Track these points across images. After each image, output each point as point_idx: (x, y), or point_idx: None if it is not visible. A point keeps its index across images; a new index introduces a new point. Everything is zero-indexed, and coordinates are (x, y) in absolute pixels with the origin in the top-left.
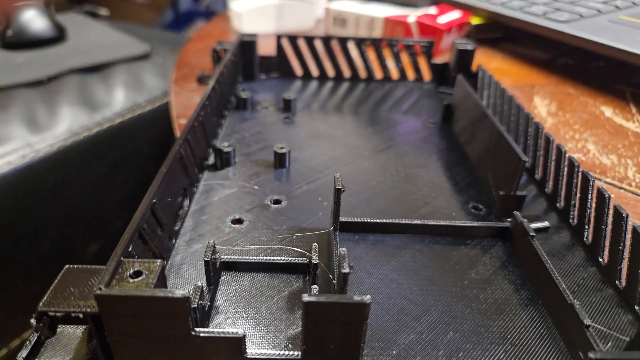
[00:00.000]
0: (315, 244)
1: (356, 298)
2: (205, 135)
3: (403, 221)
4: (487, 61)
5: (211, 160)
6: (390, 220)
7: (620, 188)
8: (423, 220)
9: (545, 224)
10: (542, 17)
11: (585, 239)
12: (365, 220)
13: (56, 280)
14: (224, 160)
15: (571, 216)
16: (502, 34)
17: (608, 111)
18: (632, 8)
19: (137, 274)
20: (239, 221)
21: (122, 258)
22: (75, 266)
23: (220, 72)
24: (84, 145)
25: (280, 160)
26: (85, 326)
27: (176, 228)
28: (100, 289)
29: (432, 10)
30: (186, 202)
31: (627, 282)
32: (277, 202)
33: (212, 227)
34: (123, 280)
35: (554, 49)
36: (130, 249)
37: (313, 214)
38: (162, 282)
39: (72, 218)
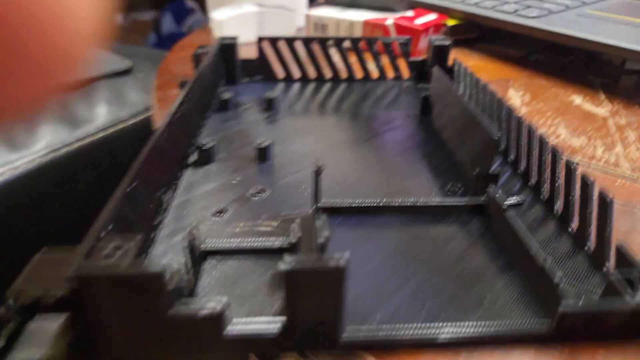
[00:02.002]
0: (295, 224)
1: (332, 263)
2: (186, 132)
3: (382, 202)
4: (464, 60)
5: (192, 158)
6: (370, 203)
7: (590, 167)
8: (401, 200)
9: (518, 199)
10: (513, 14)
11: (555, 211)
12: (345, 205)
13: (32, 261)
14: (205, 157)
15: (542, 191)
16: (478, 33)
17: (578, 99)
18: (598, 3)
19: (116, 248)
20: (221, 212)
21: (101, 235)
22: (54, 248)
23: (200, 72)
24: (65, 161)
25: (262, 154)
26: (63, 316)
27: (156, 223)
28: (79, 267)
29: (409, 13)
30: (166, 197)
31: (596, 245)
32: (259, 192)
33: (194, 219)
34: (100, 258)
35: (528, 46)
36: (109, 227)
37: (296, 201)
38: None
39: (54, 235)
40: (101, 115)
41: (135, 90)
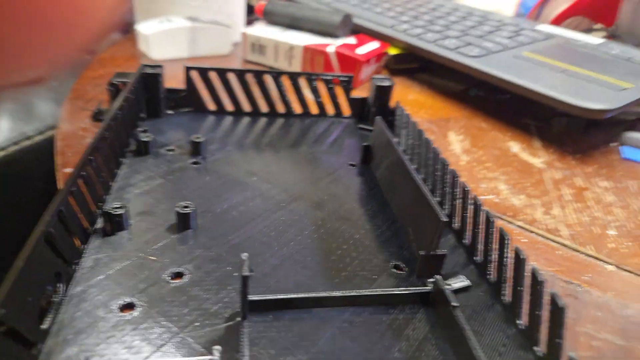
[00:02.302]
0: (217, 347)
1: None
2: (93, 191)
3: (321, 294)
4: (405, 92)
5: (99, 225)
6: (306, 295)
7: (531, 232)
8: (342, 291)
9: (466, 282)
10: (454, 51)
11: (502, 297)
12: (278, 297)
13: None
14: (114, 225)
15: (488, 272)
16: (419, 64)
17: (516, 147)
18: (533, 44)
19: None
20: (129, 307)
21: None
22: None
23: (113, 115)
24: None
25: (184, 222)
26: None
27: (45, 326)
28: None
29: (352, 40)
30: (62, 287)
31: (547, 350)
32: (178, 275)
33: (94, 318)
34: None
35: (467, 80)
36: None
37: (222, 289)
38: None
39: None
40: (2, 132)
41: (46, 102)
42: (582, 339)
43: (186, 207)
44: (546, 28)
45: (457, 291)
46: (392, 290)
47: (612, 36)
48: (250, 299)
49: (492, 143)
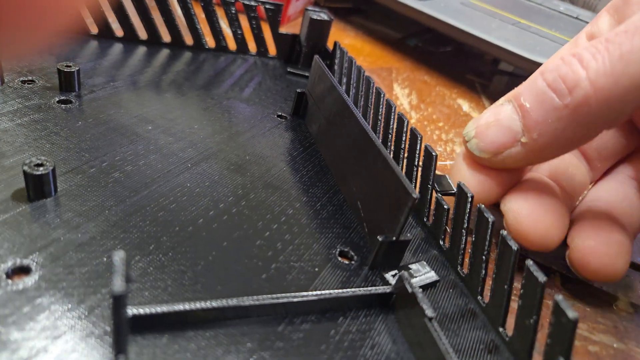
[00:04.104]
0: None
1: None
2: None
3: (242, 301)
4: (340, 36)
5: None
6: (220, 302)
7: None
8: (272, 295)
9: (432, 273)
10: None
11: (479, 299)
12: (176, 308)
13: None
14: None
15: (459, 262)
16: (353, 4)
17: (465, 105)
18: None
19: None
20: None
21: None
22: None
23: None
24: None
25: (36, 187)
26: None
27: None
28: None
29: None
30: None
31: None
32: (21, 271)
33: None
34: None
35: (404, 28)
36: None
37: (90, 293)
38: None
39: None
40: None
41: None
42: None
43: (40, 164)
44: None
45: (423, 287)
46: (344, 292)
47: None
48: (131, 313)
49: (440, 100)
